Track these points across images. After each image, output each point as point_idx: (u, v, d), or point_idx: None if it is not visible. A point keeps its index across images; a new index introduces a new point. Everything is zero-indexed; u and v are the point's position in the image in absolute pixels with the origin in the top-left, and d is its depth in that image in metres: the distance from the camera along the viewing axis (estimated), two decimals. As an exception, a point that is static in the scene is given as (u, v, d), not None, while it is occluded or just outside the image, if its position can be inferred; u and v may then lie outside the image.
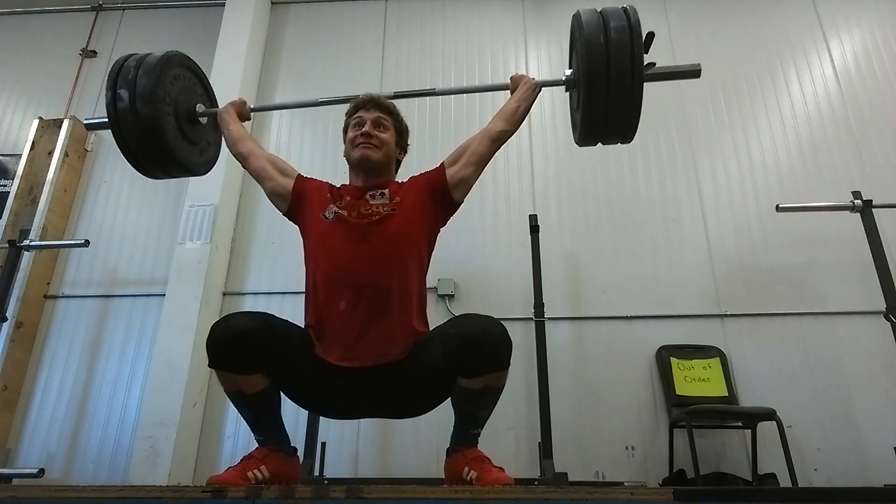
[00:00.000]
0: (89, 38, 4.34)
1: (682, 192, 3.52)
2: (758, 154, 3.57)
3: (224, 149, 1.96)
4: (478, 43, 4.06)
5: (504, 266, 3.41)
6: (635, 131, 1.71)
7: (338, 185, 1.71)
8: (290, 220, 1.73)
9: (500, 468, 1.44)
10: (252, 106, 2.02)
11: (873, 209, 2.82)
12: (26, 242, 3.05)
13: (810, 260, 3.27)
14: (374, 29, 4.15)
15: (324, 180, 1.75)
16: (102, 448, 3.20)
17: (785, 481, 2.61)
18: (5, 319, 2.98)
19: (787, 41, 3.85)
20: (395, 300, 1.52)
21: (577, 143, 1.88)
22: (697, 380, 2.98)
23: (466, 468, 1.44)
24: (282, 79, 4.08)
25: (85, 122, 1.99)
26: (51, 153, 3.73)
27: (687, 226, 3.43)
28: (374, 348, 1.50)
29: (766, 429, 2.72)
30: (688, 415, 2.67)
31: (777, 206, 2.93)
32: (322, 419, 2.82)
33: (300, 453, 1.79)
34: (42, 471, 2.73)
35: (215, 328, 1.44)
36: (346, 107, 1.79)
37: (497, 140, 1.69)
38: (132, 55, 1.80)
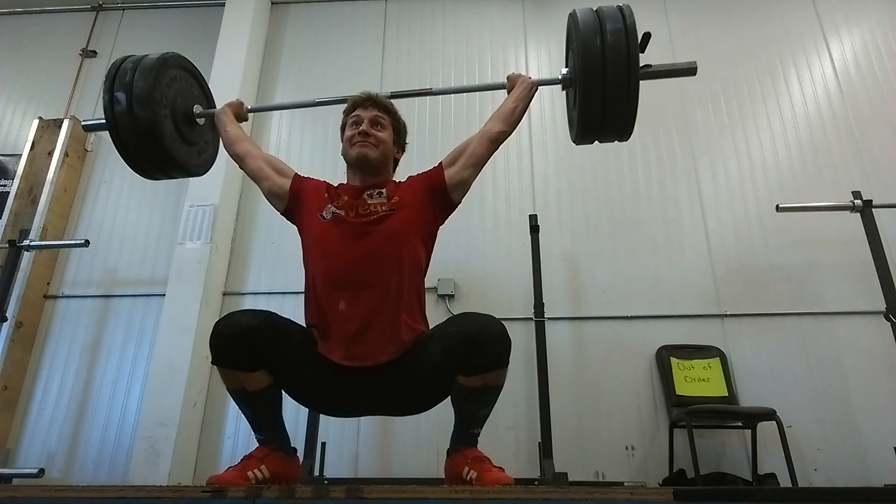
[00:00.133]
0: (89, 38, 4.34)
1: (682, 192, 3.52)
2: (758, 154, 3.57)
3: (223, 149, 1.96)
4: (478, 43, 4.06)
5: (504, 266, 3.41)
6: (632, 129, 1.71)
7: (335, 185, 1.71)
8: (287, 219, 1.74)
9: (500, 468, 1.44)
10: (249, 106, 2.02)
11: (873, 209, 2.82)
12: (26, 242, 3.05)
13: (810, 260, 3.27)
14: (374, 29, 4.15)
15: (321, 179, 1.75)
16: (102, 448, 3.20)
17: (785, 481, 2.61)
18: (5, 319, 2.98)
19: (787, 41, 3.85)
20: (393, 300, 1.52)
21: (573, 142, 1.88)
22: (697, 380, 2.98)
23: (466, 468, 1.44)
24: (282, 79, 4.08)
25: (83, 123, 1.99)
26: (51, 153, 3.73)
27: (687, 226, 3.43)
28: (374, 348, 1.50)
29: (766, 429, 2.72)
30: (688, 415, 2.67)
31: (777, 206, 2.93)
32: (322, 419, 2.83)
33: (300, 453, 1.79)
34: (42, 471, 2.73)
35: (218, 325, 1.45)
36: (344, 106, 1.79)
37: (495, 141, 1.69)
38: (129, 57, 1.80)
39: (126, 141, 1.76)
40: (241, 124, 1.95)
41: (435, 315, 1.58)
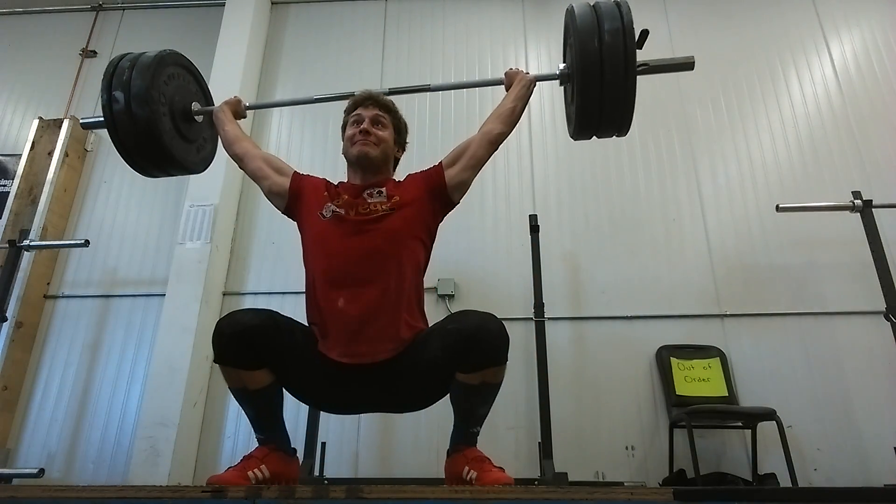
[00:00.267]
0: (89, 38, 4.34)
1: (682, 192, 3.52)
2: (758, 154, 3.57)
3: (222, 147, 1.96)
4: (478, 43, 4.06)
5: (504, 266, 3.41)
6: (630, 124, 1.71)
7: (335, 183, 1.71)
8: (288, 217, 1.74)
9: (500, 468, 1.44)
10: (248, 104, 2.02)
11: (873, 209, 2.81)
12: (26, 242, 3.05)
13: (810, 260, 3.27)
14: (374, 29, 4.15)
15: (320, 177, 1.75)
16: (102, 448, 3.20)
17: (785, 481, 2.61)
18: (5, 319, 2.98)
19: (787, 41, 3.85)
20: (393, 298, 1.52)
21: (571, 137, 1.88)
22: (697, 380, 2.98)
23: (466, 468, 1.44)
24: (282, 79, 4.08)
25: (82, 121, 1.99)
26: (51, 153, 3.73)
27: (687, 226, 3.43)
28: (373, 346, 1.50)
29: (766, 429, 2.72)
30: (688, 415, 2.67)
31: (777, 206, 2.93)
32: (322, 418, 2.83)
33: (300, 453, 1.79)
34: (42, 471, 2.73)
35: (221, 324, 1.45)
36: (345, 105, 1.80)
37: (496, 143, 1.69)
38: (126, 55, 1.80)
39: (125, 139, 1.76)
40: (239, 122, 1.95)
41: (435, 315, 1.59)
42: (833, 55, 3.77)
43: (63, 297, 3.60)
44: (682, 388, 2.95)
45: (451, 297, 3.32)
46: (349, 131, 1.70)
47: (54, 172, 3.67)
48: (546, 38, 4.01)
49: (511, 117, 1.72)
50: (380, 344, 1.51)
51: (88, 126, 1.95)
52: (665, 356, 3.07)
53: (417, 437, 3.05)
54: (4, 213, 3.59)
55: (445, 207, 1.68)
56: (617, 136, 1.78)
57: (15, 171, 3.74)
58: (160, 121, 1.76)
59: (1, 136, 4.11)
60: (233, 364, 1.46)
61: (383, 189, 1.63)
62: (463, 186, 1.66)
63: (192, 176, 3.48)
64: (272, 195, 1.73)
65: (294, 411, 2.84)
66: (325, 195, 1.64)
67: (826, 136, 3.56)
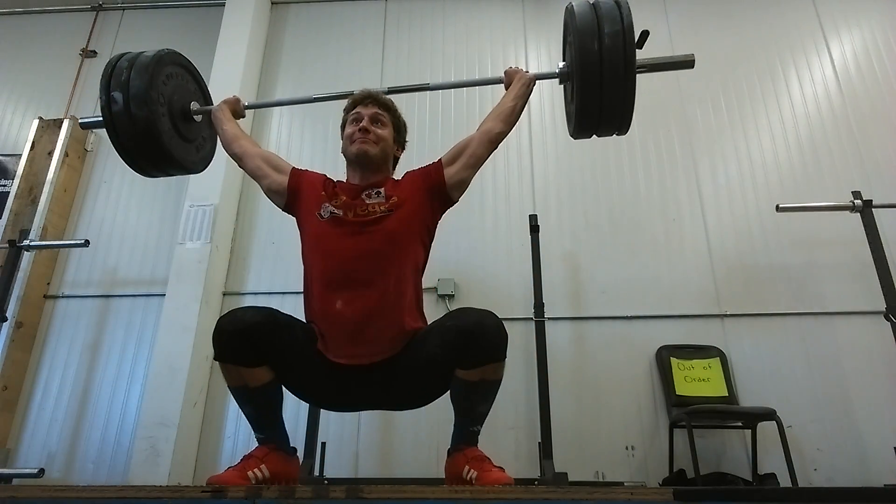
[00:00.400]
0: (89, 38, 4.34)
1: (682, 192, 3.52)
2: (758, 154, 3.57)
3: (221, 147, 1.96)
4: (478, 43, 4.06)
5: (504, 266, 3.41)
6: (630, 123, 1.71)
7: (334, 180, 1.70)
8: (288, 214, 1.73)
9: (501, 468, 1.44)
10: (246, 103, 2.01)
11: (873, 209, 2.81)
12: (26, 242, 3.05)
13: (810, 260, 3.27)
14: (374, 29, 4.15)
15: (319, 172, 1.74)
16: (102, 448, 3.20)
17: (785, 481, 2.61)
18: (5, 319, 2.98)
19: (787, 41, 3.85)
20: (392, 300, 1.52)
21: (571, 136, 1.87)
22: (697, 380, 2.98)
23: (467, 467, 1.44)
24: (282, 79, 4.08)
25: (80, 121, 1.99)
26: (51, 153, 3.73)
27: (687, 226, 3.43)
28: (372, 347, 1.50)
29: (766, 429, 2.72)
30: (688, 415, 2.67)
31: (777, 206, 2.93)
32: (322, 418, 2.84)
33: (300, 453, 1.79)
34: (42, 471, 2.73)
35: (221, 321, 1.46)
36: (344, 104, 1.79)
37: (495, 141, 1.69)
38: (124, 55, 1.79)
39: (124, 140, 1.76)
40: (239, 121, 1.95)
41: (434, 315, 1.59)
42: (833, 55, 3.77)
43: (63, 297, 3.60)
44: (682, 388, 2.95)
45: (451, 297, 3.32)
46: (348, 130, 1.70)
47: (54, 172, 3.67)
48: (546, 37, 4.01)
49: (511, 116, 1.72)
50: (378, 345, 1.51)
51: (87, 126, 1.95)
52: (665, 356, 3.07)
53: (417, 437, 3.05)
54: (4, 213, 3.59)
55: (444, 206, 1.67)
56: (617, 134, 1.78)
57: (15, 171, 3.74)
58: (159, 121, 1.76)
59: (1, 136, 4.11)
60: (233, 361, 1.46)
61: (381, 189, 1.62)
62: (462, 185, 1.66)
63: (192, 176, 3.47)
64: (271, 193, 1.73)
65: (294, 411, 2.85)
66: (322, 194, 1.63)
67: (826, 136, 3.56)
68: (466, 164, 1.65)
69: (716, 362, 3.04)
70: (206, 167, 2.07)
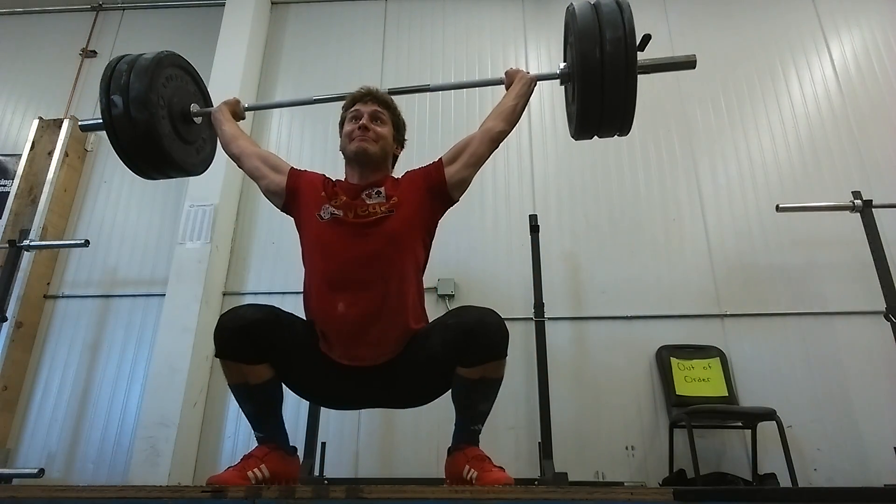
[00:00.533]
0: (89, 38, 4.34)
1: (682, 192, 3.52)
2: (758, 154, 3.57)
3: (221, 148, 1.96)
4: (478, 43, 4.06)
5: (504, 266, 3.41)
6: (631, 124, 1.70)
7: (333, 179, 1.69)
8: (287, 214, 1.73)
9: (501, 468, 1.44)
10: (246, 105, 2.01)
11: (873, 209, 2.81)
12: (26, 242, 3.05)
13: (810, 260, 3.27)
14: (374, 29, 4.15)
15: (318, 172, 1.73)
16: (102, 448, 3.20)
17: (785, 481, 2.61)
18: (5, 319, 2.98)
19: (787, 41, 3.85)
20: (394, 301, 1.52)
21: (572, 137, 1.86)
22: (697, 380, 2.98)
23: (467, 467, 1.44)
24: (282, 79, 4.08)
25: (80, 123, 1.99)
26: (51, 153, 3.73)
27: (687, 226, 3.43)
28: (373, 350, 1.51)
29: (766, 429, 2.72)
30: (688, 415, 2.67)
31: (777, 206, 2.93)
32: (322, 418, 2.84)
33: (300, 453, 1.79)
34: (42, 471, 2.73)
35: (223, 318, 1.46)
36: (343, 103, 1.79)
37: (497, 140, 1.68)
38: (123, 57, 1.79)
39: (124, 143, 1.76)
40: (239, 123, 1.94)
41: (434, 315, 1.59)
42: (833, 55, 3.77)
43: (63, 297, 3.60)
44: (682, 388, 2.95)
45: (451, 297, 3.32)
46: (347, 127, 1.68)
47: (54, 172, 3.67)
48: (546, 38, 4.01)
49: (512, 115, 1.71)
50: (381, 347, 1.51)
51: (87, 129, 1.95)
52: (665, 356, 3.07)
53: (418, 437, 3.05)
54: (4, 213, 3.59)
55: (445, 205, 1.66)
56: (618, 135, 1.77)
57: (15, 171, 3.74)
58: (159, 124, 1.76)
59: (1, 136, 4.11)
60: (234, 358, 1.46)
61: (382, 189, 1.61)
62: (463, 184, 1.65)
63: (190, 177, 3.51)
64: (270, 193, 1.72)
65: (294, 411, 2.85)
66: (322, 195, 1.62)
67: (826, 136, 3.56)
68: (467, 164, 1.64)
69: (716, 362, 3.04)
70: (206, 169, 2.07)
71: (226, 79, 3.64)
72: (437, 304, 3.29)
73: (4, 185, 3.81)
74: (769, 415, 2.63)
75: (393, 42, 4.10)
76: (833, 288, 3.19)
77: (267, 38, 4.17)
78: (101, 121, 1.76)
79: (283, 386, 1.57)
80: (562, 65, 1.83)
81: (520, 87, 1.75)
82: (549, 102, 3.78)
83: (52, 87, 4.19)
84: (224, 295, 3.46)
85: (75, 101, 4.11)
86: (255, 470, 1.43)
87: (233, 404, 3.21)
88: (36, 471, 2.72)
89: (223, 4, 4.05)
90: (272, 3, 4.28)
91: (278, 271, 3.51)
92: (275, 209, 1.75)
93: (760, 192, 3.46)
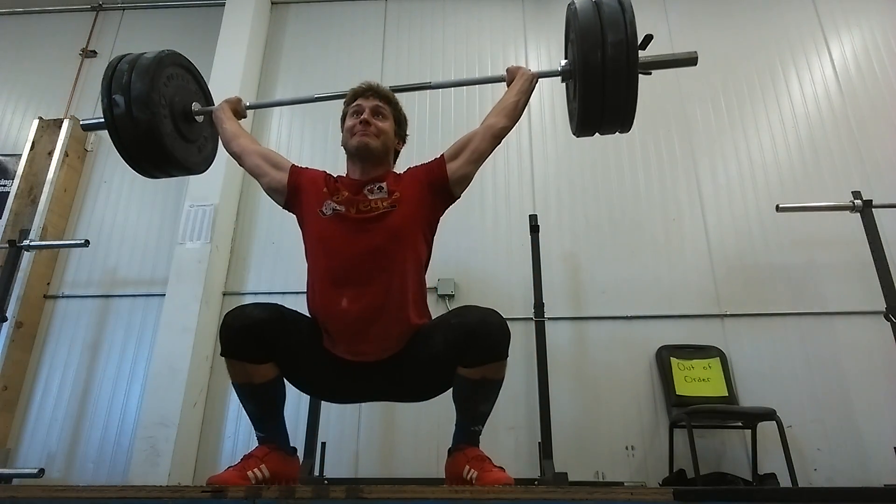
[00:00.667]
0: (89, 38, 4.34)
1: (682, 192, 3.52)
2: (758, 154, 3.57)
3: (222, 146, 1.96)
4: (478, 43, 4.06)
5: (504, 266, 3.41)
6: (632, 120, 1.69)
7: (334, 176, 1.69)
8: (289, 212, 1.73)
9: (501, 468, 1.44)
10: (248, 103, 2.01)
11: (873, 209, 2.81)
12: (26, 242, 3.05)
13: (810, 260, 3.27)
14: (374, 29, 4.15)
15: (319, 169, 1.73)
16: (102, 448, 3.20)
17: (785, 481, 2.61)
18: (5, 319, 2.97)
19: (787, 41, 3.85)
20: (396, 297, 1.52)
21: (574, 134, 1.86)
22: (697, 380, 2.98)
23: (467, 467, 1.44)
24: (282, 79, 4.08)
25: (82, 122, 1.99)
26: (51, 153, 3.73)
27: (687, 226, 3.43)
28: (376, 345, 1.51)
29: (766, 429, 2.72)
30: (688, 415, 2.67)
31: (777, 206, 2.93)
32: (322, 418, 2.84)
33: (300, 453, 1.79)
34: (42, 471, 2.73)
35: (229, 318, 1.46)
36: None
37: (499, 136, 1.68)
38: (124, 56, 1.79)
39: (126, 142, 1.76)
40: (240, 121, 1.94)
41: (435, 314, 1.59)
42: (833, 55, 3.77)
43: (63, 297, 3.60)
44: (682, 388, 2.95)
45: (451, 297, 3.32)
46: (349, 122, 1.68)
47: (54, 172, 3.67)
48: (546, 38, 4.01)
49: (514, 111, 1.71)
50: (384, 342, 1.51)
51: (89, 128, 1.94)
52: (665, 356, 3.07)
53: (418, 437, 3.05)
54: (4, 213, 3.59)
55: (446, 201, 1.66)
56: (620, 132, 1.77)
57: (15, 171, 3.74)
58: (161, 123, 1.76)
59: (1, 136, 4.11)
60: (240, 357, 1.46)
61: (384, 184, 1.61)
62: (465, 180, 1.65)
63: (192, 176, 3.49)
64: (271, 191, 1.72)
65: (294, 411, 2.85)
66: (324, 191, 1.62)
67: (826, 136, 3.56)
68: (469, 160, 1.64)
69: (716, 362, 3.04)
70: (208, 167, 2.07)
71: (226, 79, 3.64)
72: (437, 304, 3.29)
73: (4, 185, 3.81)
74: (769, 415, 2.63)
75: (393, 42, 4.10)
76: (833, 288, 3.19)
77: (267, 38, 4.17)
78: (102, 120, 1.76)
79: (286, 384, 1.58)
80: (563, 62, 1.82)
81: (521, 84, 1.75)
82: (549, 102, 3.78)
83: (52, 87, 4.19)
84: (224, 295, 3.46)
85: (75, 101, 4.11)
86: (255, 470, 1.43)
87: (233, 404, 3.21)
88: (36, 471, 2.72)
89: (223, 4, 4.05)
90: (272, 3, 4.28)
91: (278, 271, 3.51)
92: (275, 209, 1.75)
93: (760, 192, 3.46)
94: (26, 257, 3.32)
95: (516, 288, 3.31)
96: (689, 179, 3.55)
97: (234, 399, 3.22)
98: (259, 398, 1.54)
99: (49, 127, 3.83)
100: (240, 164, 1.81)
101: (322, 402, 2.85)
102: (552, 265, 3.27)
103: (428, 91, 3.72)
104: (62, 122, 3.83)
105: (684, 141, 3.65)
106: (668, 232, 3.43)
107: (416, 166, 1.70)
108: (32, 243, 3.11)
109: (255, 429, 1.58)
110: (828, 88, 3.69)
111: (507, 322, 1.45)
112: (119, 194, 3.84)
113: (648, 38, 1.64)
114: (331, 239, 1.57)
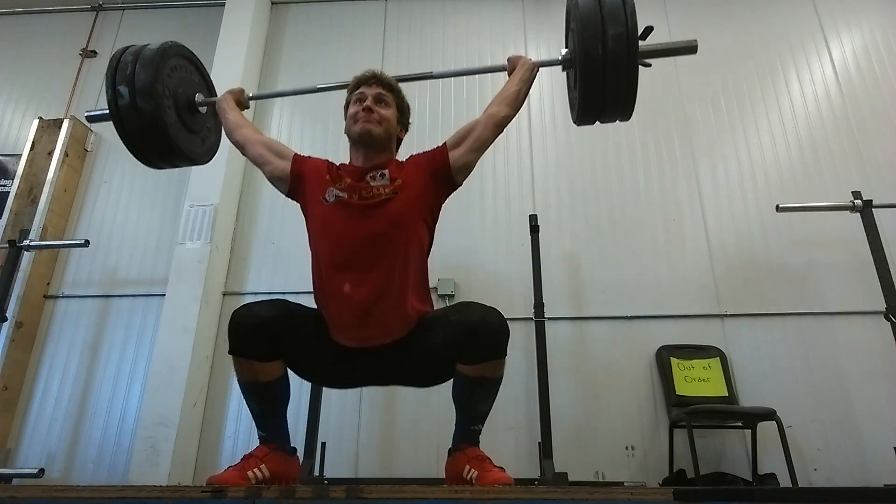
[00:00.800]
0: (89, 38, 4.34)
1: (682, 192, 3.52)
2: (758, 154, 3.57)
3: (225, 138, 1.96)
4: (478, 43, 4.06)
5: (504, 266, 3.41)
6: (633, 109, 1.70)
7: (337, 164, 1.70)
8: (292, 200, 1.74)
9: (501, 468, 1.44)
10: (251, 94, 2.02)
11: (873, 209, 2.82)
12: (26, 242, 3.05)
13: (810, 260, 3.27)
14: (374, 29, 4.15)
15: (322, 158, 1.74)
16: (102, 448, 3.20)
17: (785, 481, 2.61)
18: (5, 319, 2.97)
19: (787, 41, 3.85)
20: (398, 281, 1.53)
21: (574, 123, 1.86)
22: (697, 380, 2.98)
23: (467, 467, 1.44)
24: (282, 79, 4.08)
25: (86, 114, 1.99)
26: (51, 153, 3.73)
27: (687, 226, 3.43)
28: (379, 330, 1.52)
29: (766, 429, 2.72)
30: (688, 415, 2.67)
31: (777, 206, 2.93)
32: (322, 418, 2.84)
33: (300, 453, 1.79)
34: (42, 471, 2.73)
35: (237, 316, 1.48)
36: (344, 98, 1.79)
37: (501, 125, 1.68)
38: (128, 48, 1.80)
39: (131, 133, 1.77)
40: (243, 112, 1.95)
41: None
42: (833, 55, 3.77)
43: (63, 297, 3.60)
44: (682, 388, 2.95)
45: (451, 297, 3.31)
46: (352, 109, 1.69)
47: (54, 172, 3.67)
48: (546, 37, 4.01)
49: (515, 100, 1.71)
50: (387, 327, 1.52)
51: (94, 119, 1.94)
52: (665, 356, 3.07)
53: (418, 437, 3.05)
54: (4, 213, 3.59)
55: (448, 188, 1.67)
56: (620, 120, 1.77)
57: (15, 171, 3.74)
58: (165, 114, 1.77)
59: (1, 136, 4.11)
60: (248, 355, 1.47)
61: (386, 171, 1.62)
62: (467, 168, 1.65)
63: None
64: (274, 179, 1.73)
65: (294, 411, 2.81)
66: (326, 178, 1.63)
67: (826, 136, 3.56)
68: (471, 148, 1.65)
69: (716, 362, 3.04)
70: (211, 158, 2.08)
71: (226, 79, 3.60)
72: (437, 304, 3.27)
73: (4, 185, 3.81)
74: (769, 415, 2.63)
75: (393, 42, 4.10)
76: (833, 288, 3.20)
77: (267, 38, 4.17)
78: (107, 112, 1.77)
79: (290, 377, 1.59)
80: (563, 51, 1.82)
81: (522, 73, 1.76)
82: (549, 101, 3.79)
83: (52, 87, 4.19)
84: (224, 295, 3.46)
85: (75, 101, 4.11)
86: (256, 470, 1.43)
87: (233, 404, 3.21)
88: (36, 471, 2.72)
89: (223, 4, 4.05)
90: (272, 3, 4.28)
91: (278, 271, 3.51)
92: (275, 209, 1.76)
93: (760, 192, 3.46)
94: (26, 257, 3.32)
95: (516, 288, 3.30)
96: (689, 179, 3.55)
97: (234, 399, 3.23)
98: (264, 396, 1.54)
99: (49, 127, 3.83)
100: (243, 154, 1.82)
101: (322, 402, 2.86)
102: (552, 265, 3.27)
103: (429, 84, 3.76)
104: (62, 122, 3.83)
105: (684, 141, 3.65)
106: (668, 232, 3.43)
107: (419, 154, 1.71)
108: (32, 243, 3.11)
109: (257, 427, 1.58)
110: (828, 88, 3.69)
111: (507, 322, 1.46)
112: (119, 194, 3.84)
113: (649, 30, 1.64)
114: (333, 225, 1.58)
